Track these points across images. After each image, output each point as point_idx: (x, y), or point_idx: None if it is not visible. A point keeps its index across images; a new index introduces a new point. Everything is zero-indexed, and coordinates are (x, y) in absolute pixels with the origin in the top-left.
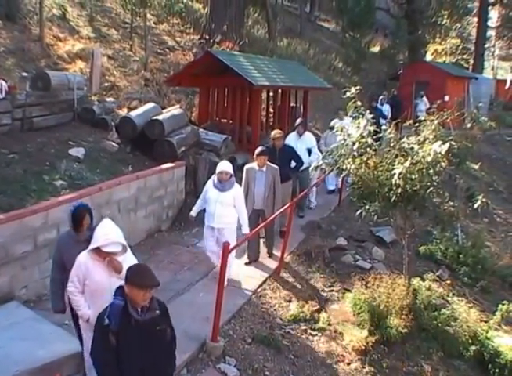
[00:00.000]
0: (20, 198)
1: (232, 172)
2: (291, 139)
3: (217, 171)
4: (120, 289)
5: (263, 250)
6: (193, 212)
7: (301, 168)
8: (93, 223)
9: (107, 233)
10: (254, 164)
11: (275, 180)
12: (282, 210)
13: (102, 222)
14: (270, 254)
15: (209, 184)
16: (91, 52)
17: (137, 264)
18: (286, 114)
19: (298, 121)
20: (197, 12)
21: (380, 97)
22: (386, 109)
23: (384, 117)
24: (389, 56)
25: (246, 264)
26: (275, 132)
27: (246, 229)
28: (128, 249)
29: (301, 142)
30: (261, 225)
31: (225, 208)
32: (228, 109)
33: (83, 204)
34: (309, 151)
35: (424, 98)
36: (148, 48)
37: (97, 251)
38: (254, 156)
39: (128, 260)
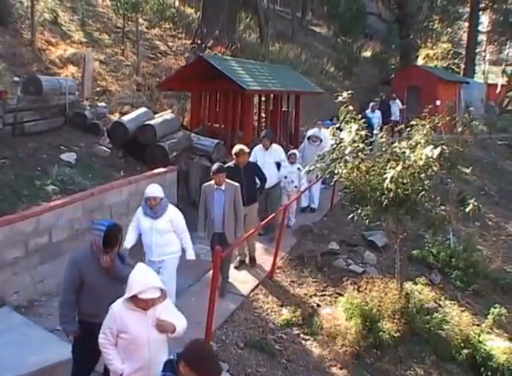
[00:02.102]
0: (12, 203)
1: (162, 195)
2: (257, 153)
3: (144, 196)
4: (170, 364)
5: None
6: (128, 244)
7: (271, 185)
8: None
9: (143, 278)
10: (211, 183)
11: (236, 200)
12: (250, 233)
13: (136, 267)
14: (222, 295)
15: (139, 212)
16: (83, 56)
17: (199, 344)
18: (278, 119)
19: (264, 132)
20: (189, 17)
21: (371, 104)
22: (377, 116)
23: (372, 128)
24: (381, 60)
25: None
26: (239, 148)
27: (191, 255)
28: (168, 295)
29: (269, 156)
30: (248, 232)
31: (164, 236)
32: (220, 113)
33: (115, 223)
34: (278, 165)
35: (397, 100)
36: (140, 52)
37: (134, 299)
38: (211, 173)
39: (170, 310)
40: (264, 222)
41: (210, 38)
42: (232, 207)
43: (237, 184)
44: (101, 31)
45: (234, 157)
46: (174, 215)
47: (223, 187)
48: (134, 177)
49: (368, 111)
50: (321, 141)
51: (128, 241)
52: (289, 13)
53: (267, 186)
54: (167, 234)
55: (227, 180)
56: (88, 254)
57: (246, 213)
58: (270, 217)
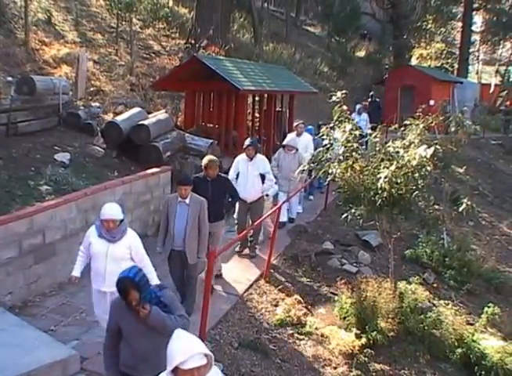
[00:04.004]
0: (5, 204)
1: (122, 217)
2: (240, 164)
3: (101, 217)
4: None
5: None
6: (76, 272)
7: (254, 199)
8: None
9: (183, 345)
10: (176, 194)
11: (201, 216)
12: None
13: (173, 334)
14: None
15: (92, 233)
16: (77, 56)
17: None
18: (272, 119)
19: (248, 140)
20: (183, 17)
21: (358, 106)
22: (364, 118)
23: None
24: (375, 60)
25: None
26: (208, 159)
27: (154, 281)
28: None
29: (253, 167)
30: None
31: (120, 264)
32: (214, 113)
33: (126, 276)
34: (262, 177)
35: (364, 114)
36: (134, 52)
37: (177, 372)
38: (176, 184)
39: None
40: (241, 235)
41: (204, 38)
42: (196, 223)
43: (203, 199)
44: (95, 31)
45: (203, 168)
46: (133, 240)
47: (187, 201)
48: (128, 177)
49: (354, 114)
50: (297, 150)
51: (77, 268)
52: (283, 13)
53: (249, 200)
54: (123, 262)
55: (193, 194)
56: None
57: (210, 231)
58: (243, 233)
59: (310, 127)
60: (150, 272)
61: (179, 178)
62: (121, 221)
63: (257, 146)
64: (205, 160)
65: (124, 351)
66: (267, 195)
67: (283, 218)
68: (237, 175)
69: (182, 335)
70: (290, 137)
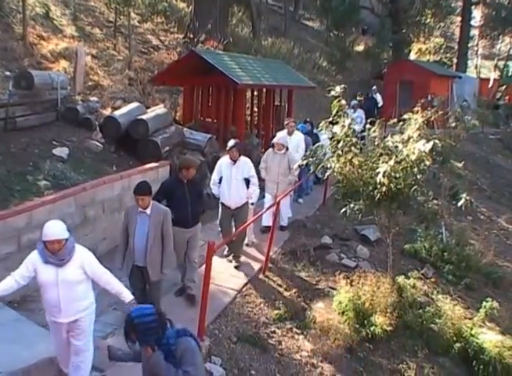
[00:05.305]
0: (4, 199)
1: (66, 235)
2: (223, 168)
3: (42, 238)
4: None
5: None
6: (2, 291)
7: (239, 205)
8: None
9: None
10: (135, 204)
11: (164, 227)
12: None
13: None
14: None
15: (35, 260)
16: (75, 51)
17: None
18: (270, 113)
19: (231, 142)
20: (181, 11)
21: (353, 102)
22: (359, 115)
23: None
24: (373, 54)
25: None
26: (186, 160)
27: (128, 296)
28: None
29: (237, 171)
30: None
31: (75, 289)
32: (212, 108)
33: (129, 314)
34: (247, 181)
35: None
36: (132, 47)
37: None
38: (133, 193)
39: None
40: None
41: (203, 32)
42: (159, 236)
43: (167, 208)
44: (93, 26)
45: (178, 170)
46: (85, 258)
47: (148, 211)
48: (126, 172)
49: (349, 110)
50: (287, 149)
51: (2, 289)
52: (281, 7)
53: (234, 206)
54: (78, 286)
55: (155, 203)
56: None
57: (190, 236)
58: (228, 239)
59: (302, 124)
60: (118, 285)
61: (135, 186)
62: (67, 240)
63: (241, 147)
64: (183, 162)
65: None
66: (252, 204)
67: (268, 222)
68: (220, 179)
69: None
70: (281, 135)
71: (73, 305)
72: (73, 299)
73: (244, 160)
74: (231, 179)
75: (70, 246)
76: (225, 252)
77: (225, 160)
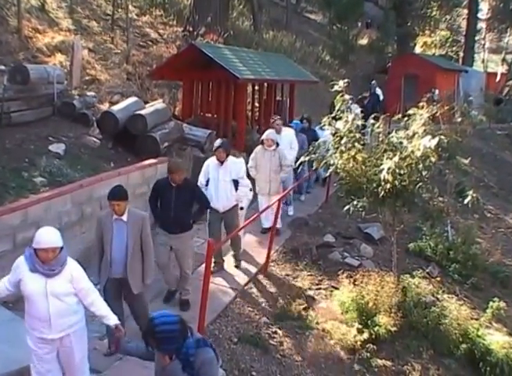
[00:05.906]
0: None
1: (61, 244)
2: (210, 168)
3: (34, 245)
4: None
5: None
6: None
7: (227, 208)
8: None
9: None
10: (109, 211)
11: (143, 233)
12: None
13: None
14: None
15: (22, 267)
16: (72, 44)
17: None
18: (272, 108)
19: (218, 141)
20: (181, 4)
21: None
22: (358, 113)
23: None
24: (377, 48)
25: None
26: (173, 164)
27: (114, 319)
28: None
29: (224, 172)
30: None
31: (65, 301)
32: (212, 103)
33: (151, 320)
34: (235, 183)
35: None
36: (130, 40)
37: None
38: (107, 199)
39: None
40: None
41: (203, 26)
42: (139, 243)
43: (145, 213)
44: (90, 18)
45: (167, 173)
46: (75, 272)
47: (125, 218)
48: (124, 168)
49: (353, 105)
50: (277, 145)
51: None
52: (283, 0)
53: (222, 209)
54: (67, 298)
55: (131, 209)
56: None
57: (174, 244)
58: (219, 245)
59: (296, 121)
60: (104, 307)
61: (109, 191)
62: (61, 248)
63: (228, 147)
64: (172, 166)
65: None
66: (241, 208)
67: (268, 224)
68: (207, 181)
69: None
70: (269, 131)
71: (64, 320)
72: (64, 313)
73: (232, 161)
74: (218, 181)
75: (63, 257)
76: (213, 269)
77: (211, 161)
